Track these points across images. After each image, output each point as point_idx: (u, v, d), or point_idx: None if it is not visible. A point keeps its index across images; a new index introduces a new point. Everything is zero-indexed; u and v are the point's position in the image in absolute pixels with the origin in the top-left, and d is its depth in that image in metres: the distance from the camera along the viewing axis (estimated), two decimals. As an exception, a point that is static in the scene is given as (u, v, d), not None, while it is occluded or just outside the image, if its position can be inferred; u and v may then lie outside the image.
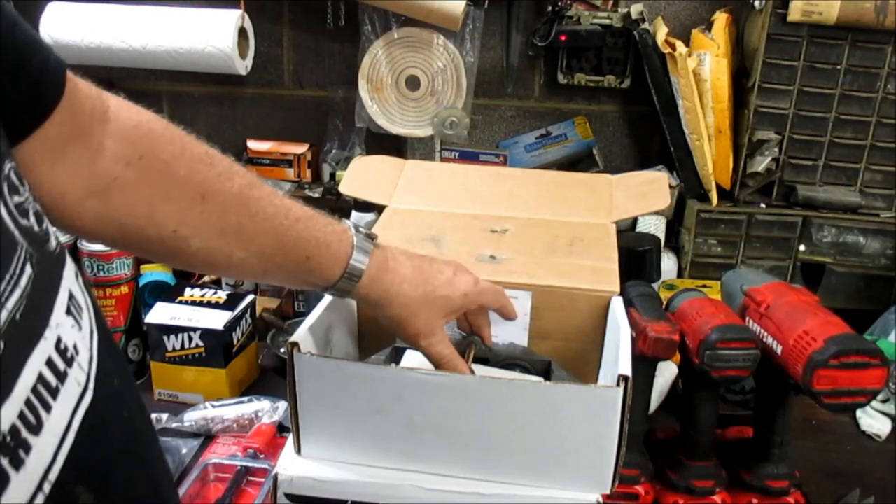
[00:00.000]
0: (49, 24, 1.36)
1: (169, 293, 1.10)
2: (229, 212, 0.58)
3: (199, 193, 0.56)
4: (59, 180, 0.49)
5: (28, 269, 0.35)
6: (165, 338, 1.03)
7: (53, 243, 0.40)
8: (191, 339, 1.02)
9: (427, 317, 0.68)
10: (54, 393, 0.36)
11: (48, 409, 0.35)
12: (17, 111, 0.43)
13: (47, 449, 0.34)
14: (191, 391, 1.04)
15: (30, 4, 1.38)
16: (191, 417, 0.97)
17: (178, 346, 1.03)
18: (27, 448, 0.33)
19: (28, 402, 0.33)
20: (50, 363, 0.36)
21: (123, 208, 0.54)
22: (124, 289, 1.06)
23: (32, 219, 0.38)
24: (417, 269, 0.69)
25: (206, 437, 0.97)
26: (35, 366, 0.35)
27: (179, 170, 0.55)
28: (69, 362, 0.38)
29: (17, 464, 0.32)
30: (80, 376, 0.38)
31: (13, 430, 0.32)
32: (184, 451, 0.93)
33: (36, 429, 0.34)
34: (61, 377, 0.36)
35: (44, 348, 0.36)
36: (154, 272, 1.25)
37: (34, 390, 0.34)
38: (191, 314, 1.04)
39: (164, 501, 0.48)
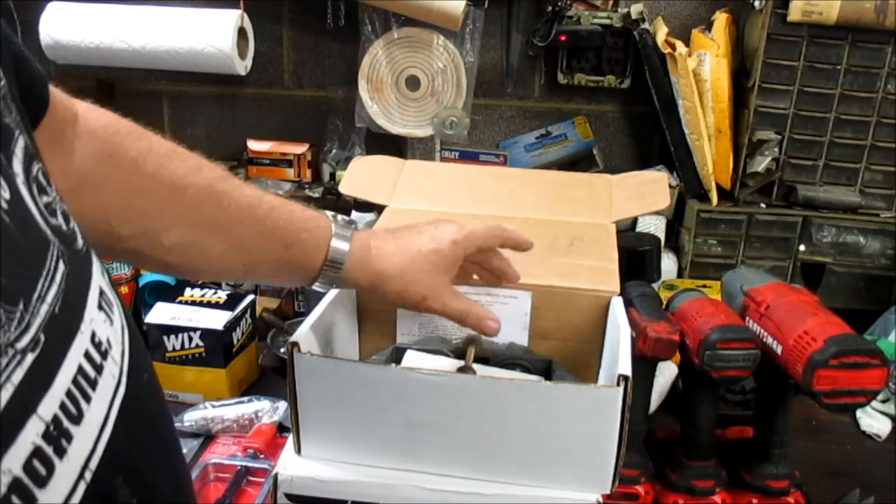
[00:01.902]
0: (49, 24, 1.36)
1: (169, 293, 1.10)
2: (201, 205, 0.59)
3: (168, 188, 0.57)
4: None
5: (62, 266, 0.36)
6: (165, 338, 1.03)
7: (80, 242, 0.41)
8: (191, 339, 1.02)
9: (426, 278, 0.67)
10: (93, 384, 0.36)
11: (88, 400, 0.36)
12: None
13: (87, 439, 0.35)
14: (191, 391, 1.04)
15: (30, 4, 1.38)
16: (191, 417, 0.97)
17: (178, 346, 1.03)
18: (69, 437, 0.34)
19: (69, 394, 0.34)
20: (88, 356, 0.37)
21: (95, 206, 0.55)
22: (124, 289, 1.07)
23: (60, 218, 0.39)
24: (401, 238, 0.68)
25: (206, 437, 0.97)
26: (74, 358, 0.35)
27: (147, 166, 0.56)
28: (104, 356, 0.38)
29: (61, 452, 0.33)
30: (114, 370, 0.39)
31: (55, 419, 0.33)
32: (184, 451, 0.93)
33: (77, 419, 0.34)
34: (98, 369, 0.37)
35: (81, 342, 0.36)
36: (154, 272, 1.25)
37: (75, 382, 0.35)
38: (191, 314, 1.04)
39: (186, 498, 0.49)
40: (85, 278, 0.39)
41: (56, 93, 0.52)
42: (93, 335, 0.38)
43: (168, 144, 0.59)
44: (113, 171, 0.55)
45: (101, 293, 0.40)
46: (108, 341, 0.39)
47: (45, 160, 0.48)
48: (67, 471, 0.33)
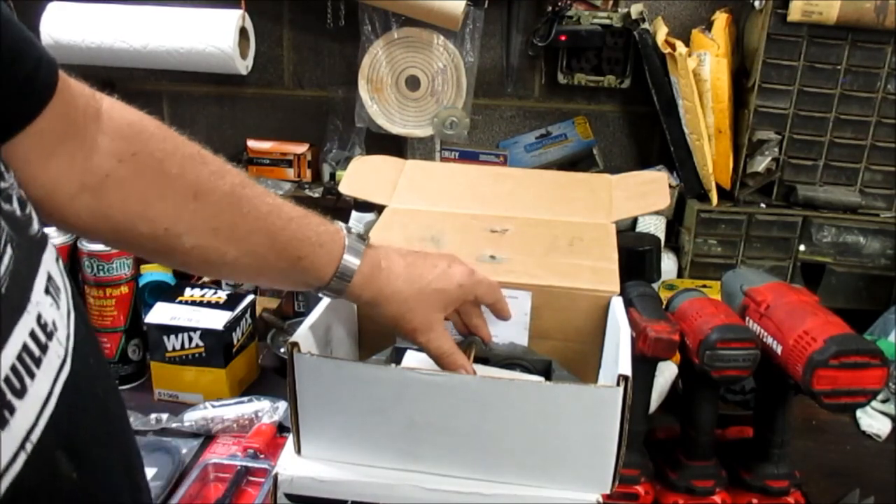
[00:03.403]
0: (49, 24, 1.36)
1: (169, 293, 1.10)
2: (222, 210, 0.59)
3: (191, 191, 0.57)
4: (51, 175, 0.50)
5: (9, 251, 0.38)
6: (165, 338, 1.02)
7: (35, 227, 0.42)
8: (191, 339, 1.02)
9: (424, 311, 0.68)
10: (37, 362, 0.38)
11: (32, 376, 0.37)
12: (9, 105, 0.44)
13: (30, 412, 0.37)
14: (191, 391, 1.04)
15: (30, 4, 1.38)
16: (191, 417, 0.97)
17: (178, 346, 1.03)
18: (12, 410, 0.36)
19: (13, 369, 0.36)
20: (33, 335, 0.38)
21: (117, 204, 0.54)
22: (124, 289, 1.07)
23: (16, 204, 0.40)
24: (411, 266, 0.69)
25: (206, 437, 0.97)
26: (20, 336, 0.37)
27: (172, 168, 0.56)
28: (49, 336, 0.40)
29: (3, 424, 0.35)
30: (59, 350, 0.41)
31: None
32: (184, 451, 0.93)
33: (20, 393, 0.36)
34: (43, 349, 0.39)
35: (27, 321, 0.38)
36: (154, 272, 1.25)
37: (19, 358, 0.37)
38: (191, 314, 1.04)
39: (135, 483, 0.50)
40: (34, 263, 0.41)
41: (76, 84, 0.52)
42: (38, 316, 0.39)
43: (193, 146, 0.59)
44: (136, 171, 0.55)
45: (50, 279, 0.42)
46: (54, 323, 0.41)
47: (66, 153, 0.50)
48: (8, 441, 0.35)
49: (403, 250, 0.71)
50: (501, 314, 0.76)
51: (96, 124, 0.53)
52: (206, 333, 1.02)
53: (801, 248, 1.33)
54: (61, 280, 0.44)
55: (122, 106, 0.56)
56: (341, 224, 0.68)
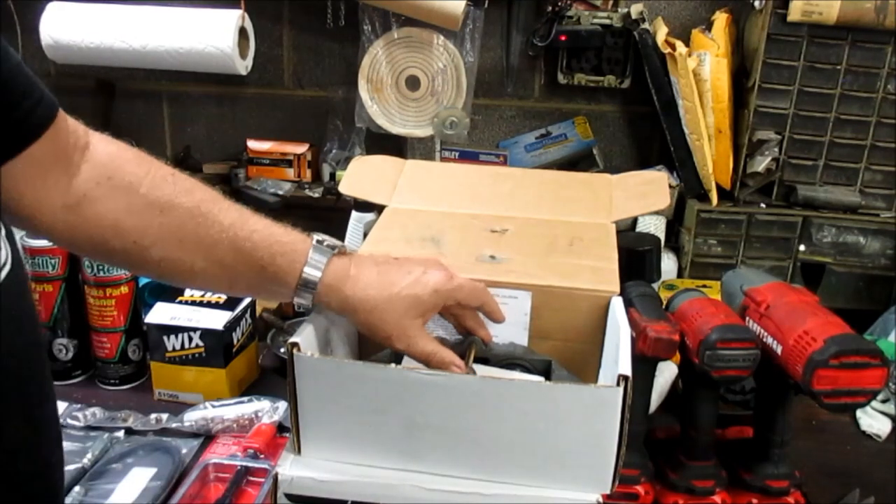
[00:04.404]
0: (49, 24, 1.36)
1: (169, 293, 1.10)
2: (186, 223, 0.64)
3: (157, 208, 0.63)
4: (38, 194, 0.58)
5: None
6: (165, 338, 1.02)
7: None
8: (191, 339, 1.02)
9: (396, 318, 0.68)
10: None
11: None
12: (10, 134, 0.52)
13: None
14: (191, 391, 1.04)
15: (30, 4, 1.38)
16: (191, 417, 0.97)
17: (178, 346, 1.03)
18: None
19: None
20: None
21: (92, 220, 0.61)
22: (124, 289, 1.06)
23: None
24: (383, 273, 0.69)
25: (206, 437, 0.97)
26: None
27: (141, 188, 0.62)
28: None
29: None
30: None
31: None
32: (184, 451, 0.93)
33: None
34: None
35: None
36: (154, 272, 1.25)
37: None
38: (191, 314, 1.04)
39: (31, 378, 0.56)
40: None
41: (71, 122, 0.60)
42: None
43: (167, 170, 0.64)
44: (109, 191, 0.61)
45: None
46: None
47: (53, 177, 0.59)
48: None
49: (381, 258, 0.71)
50: (493, 317, 0.75)
51: (82, 154, 0.61)
52: (206, 333, 1.02)
53: (801, 248, 1.33)
54: (2, 243, 0.52)
55: (108, 141, 0.63)
56: (316, 235, 0.68)
